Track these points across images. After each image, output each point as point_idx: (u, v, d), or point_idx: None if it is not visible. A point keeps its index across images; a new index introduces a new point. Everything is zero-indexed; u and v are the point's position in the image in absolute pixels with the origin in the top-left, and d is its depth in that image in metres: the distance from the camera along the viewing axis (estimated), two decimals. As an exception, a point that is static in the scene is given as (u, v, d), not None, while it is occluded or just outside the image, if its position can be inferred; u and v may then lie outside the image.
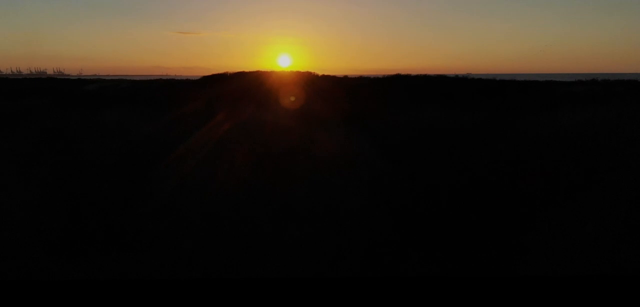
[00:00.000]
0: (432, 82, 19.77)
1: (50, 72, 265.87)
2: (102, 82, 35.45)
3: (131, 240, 4.54)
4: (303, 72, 26.51)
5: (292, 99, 19.14)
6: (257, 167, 7.40)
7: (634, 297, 2.44)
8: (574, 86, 19.29)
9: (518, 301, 2.48)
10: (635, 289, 2.48)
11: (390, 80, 18.55)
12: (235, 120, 13.96)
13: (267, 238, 4.60)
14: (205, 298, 2.48)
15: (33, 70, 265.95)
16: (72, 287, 2.58)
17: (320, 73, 26.86)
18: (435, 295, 2.52)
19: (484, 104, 12.96)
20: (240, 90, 21.23)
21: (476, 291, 2.57)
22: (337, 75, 26.70)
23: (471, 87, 21.17)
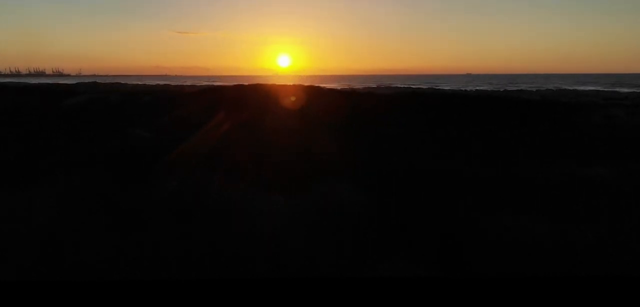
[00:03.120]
0: (450, 102, 17.92)
1: (49, 72, 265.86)
2: (93, 91, 33.69)
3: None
4: (306, 86, 24.80)
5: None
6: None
7: (634, 297, 2.40)
8: (612, 109, 17.05)
9: (518, 301, 2.43)
10: (635, 289, 2.45)
11: (404, 102, 16.58)
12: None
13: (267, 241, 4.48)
14: (205, 298, 2.46)
15: (32, 70, 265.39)
16: (72, 287, 2.59)
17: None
18: (433, 295, 2.48)
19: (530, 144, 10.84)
20: (236, 100, 19.76)
21: (475, 291, 2.50)
22: (342, 86, 25.04)
23: (492, 105, 19.25)
